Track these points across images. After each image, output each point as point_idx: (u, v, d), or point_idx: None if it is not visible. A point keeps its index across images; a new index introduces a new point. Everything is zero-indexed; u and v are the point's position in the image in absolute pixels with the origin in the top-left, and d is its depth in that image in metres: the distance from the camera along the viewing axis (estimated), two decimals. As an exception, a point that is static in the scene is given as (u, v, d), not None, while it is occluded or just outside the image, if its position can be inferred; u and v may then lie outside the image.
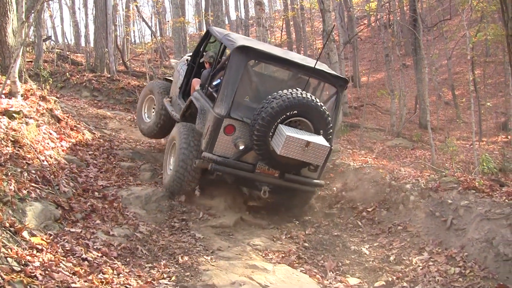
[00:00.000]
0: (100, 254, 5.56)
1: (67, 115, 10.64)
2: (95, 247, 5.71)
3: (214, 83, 8.52)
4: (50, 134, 8.82)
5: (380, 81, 28.45)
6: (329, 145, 7.63)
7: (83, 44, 31.29)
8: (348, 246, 7.56)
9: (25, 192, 5.99)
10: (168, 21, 32.60)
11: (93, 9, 24.46)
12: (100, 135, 11.34)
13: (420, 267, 6.50)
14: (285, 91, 7.60)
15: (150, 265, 5.90)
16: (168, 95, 10.36)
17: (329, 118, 7.78)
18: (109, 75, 19.59)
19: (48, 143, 8.32)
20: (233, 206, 8.48)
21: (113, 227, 6.58)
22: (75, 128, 10.13)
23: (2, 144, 6.85)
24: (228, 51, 8.39)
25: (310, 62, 8.45)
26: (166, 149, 8.92)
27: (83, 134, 10.21)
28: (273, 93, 7.60)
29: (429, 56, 20.90)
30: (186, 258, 6.27)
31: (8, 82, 8.75)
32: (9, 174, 6.09)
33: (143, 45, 29.66)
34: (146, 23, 32.54)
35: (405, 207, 8.05)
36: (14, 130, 7.47)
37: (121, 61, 24.05)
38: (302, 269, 6.54)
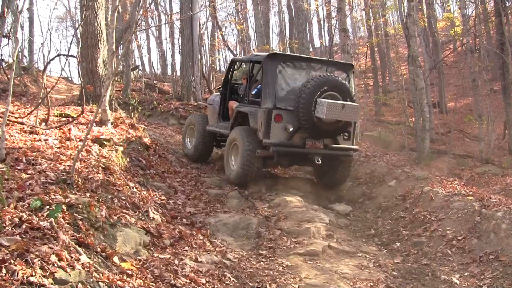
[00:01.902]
0: (188, 281, 5.53)
1: (155, 142, 10.83)
2: (183, 273, 5.69)
3: (253, 92, 10.74)
4: (139, 161, 8.98)
5: (467, 107, 27.55)
6: (358, 104, 10.23)
7: (169, 73, 31.96)
8: (437, 275, 7.21)
9: (115, 218, 6.08)
10: (253, 49, 32.79)
11: (179, 39, 24.87)
12: (188, 163, 11.47)
13: (516, 299, 6.12)
14: (314, 74, 10.17)
15: (238, 292, 5.84)
16: (207, 124, 12.02)
17: (351, 89, 10.19)
18: (195, 103, 19.80)
19: (137, 170, 8.46)
20: (320, 233, 8.33)
21: (201, 253, 6.57)
22: (163, 156, 10.28)
23: (93, 171, 7.02)
24: (258, 64, 10.59)
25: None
26: (226, 150, 10.61)
27: (170, 162, 10.36)
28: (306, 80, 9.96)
29: (517, 79, 20.04)
30: (274, 285, 6.17)
31: (99, 110, 8.99)
32: (100, 200, 6.20)
33: (229, 73, 29.87)
34: (232, 52, 32.97)
35: (496, 236, 7.63)
36: (105, 157, 7.65)
37: (207, 90, 24.30)
38: (392, 299, 6.32)
